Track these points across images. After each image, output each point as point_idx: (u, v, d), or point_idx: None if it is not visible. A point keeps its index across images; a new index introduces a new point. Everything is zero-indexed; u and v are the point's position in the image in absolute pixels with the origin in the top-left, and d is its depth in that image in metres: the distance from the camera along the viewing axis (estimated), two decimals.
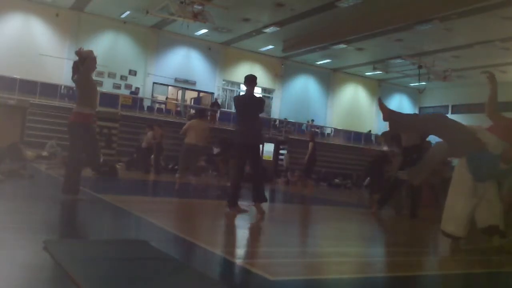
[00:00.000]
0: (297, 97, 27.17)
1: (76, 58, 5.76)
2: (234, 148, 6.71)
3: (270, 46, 24.18)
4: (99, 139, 14.78)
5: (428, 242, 6.17)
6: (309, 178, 13.12)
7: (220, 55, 25.04)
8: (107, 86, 21.51)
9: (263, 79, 26.74)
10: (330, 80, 28.47)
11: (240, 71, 26.00)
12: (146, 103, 22.67)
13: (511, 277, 4.20)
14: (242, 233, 5.32)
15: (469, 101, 28.08)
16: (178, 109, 24.31)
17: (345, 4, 16.76)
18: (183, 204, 7.79)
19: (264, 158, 21.26)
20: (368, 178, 15.73)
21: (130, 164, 15.59)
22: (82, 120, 5.74)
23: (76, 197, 5.77)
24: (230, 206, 6.25)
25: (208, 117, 10.24)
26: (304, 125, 25.95)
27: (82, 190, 6.01)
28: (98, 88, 9.19)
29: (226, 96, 25.98)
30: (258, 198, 6.33)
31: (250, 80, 6.58)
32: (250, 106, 6.41)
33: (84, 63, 5.72)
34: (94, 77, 6.45)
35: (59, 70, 20.36)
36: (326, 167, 21.55)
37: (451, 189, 4.94)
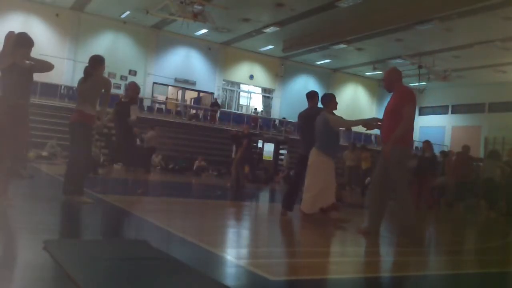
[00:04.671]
0: (297, 97, 27.10)
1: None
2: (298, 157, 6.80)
3: (270, 46, 24.18)
4: (99, 139, 14.84)
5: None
6: None
7: (220, 55, 25.04)
8: None
9: (263, 79, 26.76)
10: (330, 80, 28.47)
11: (240, 71, 26.05)
12: (146, 103, 22.68)
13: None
14: (242, 233, 5.32)
15: (469, 101, 28.09)
16: (178, 109, 24.31)
17: (345, 4, 16.76)
18: (183, 204, 7.80)
19: (264, 158, 21.31)
20: (369, 178, 15.74)
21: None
22: (84, 120, 5.76)
23: (81, 199, 5.64)
24: (286, 208, 6.37)
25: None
26: None
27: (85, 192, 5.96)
28: None
29: (226, 96, 25.99)
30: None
31: (311, 96, 6.99)
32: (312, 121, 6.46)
33: (99, 69, 5.87)
34: None
35: (59, 70, 20.34)
36: None
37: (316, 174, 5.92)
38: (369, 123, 5.85)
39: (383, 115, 5.26)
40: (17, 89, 4.89)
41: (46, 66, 5.12)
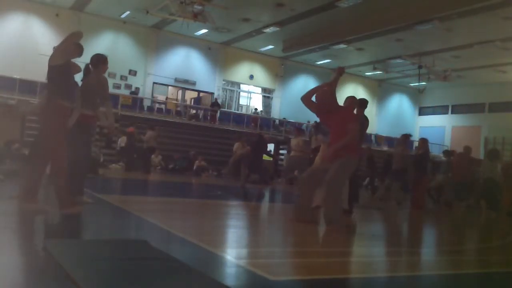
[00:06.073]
0: (297, 97, 26.88)
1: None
2: None
3: (270, 46, 24.18)
4: (99, 139, 14.86)
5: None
6: None
7: (220, 55, 25.04)
8: None
9: (263, 79, 26.76)
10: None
11: (240, 71, 26.05)
12: (146, 103, 22.67)
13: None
14: (242, 233, 5.32)
15: (469, 101, 28.09)
16: (178, 109, 24.31)
17: (345, 4, 16.77)
18: (183, 204, 7.80)
19: (264, 158, 21.25)
20: (368, 178, 15.80)
21: (130, 164, 15.59)
22: (83, 120, 5.75)
23: (81, 199, 5.63)
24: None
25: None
26: (304, 125, 25.94)
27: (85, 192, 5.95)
28: None
29: (226, 96, 25.98)
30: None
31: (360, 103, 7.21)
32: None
33: (99, 68, 5.75)
34: None
35: None
36: None
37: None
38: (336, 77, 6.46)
39: (331, 134, 5.97)
40: (67, 92, 4.80)
41: (78, 70, 5.20)
